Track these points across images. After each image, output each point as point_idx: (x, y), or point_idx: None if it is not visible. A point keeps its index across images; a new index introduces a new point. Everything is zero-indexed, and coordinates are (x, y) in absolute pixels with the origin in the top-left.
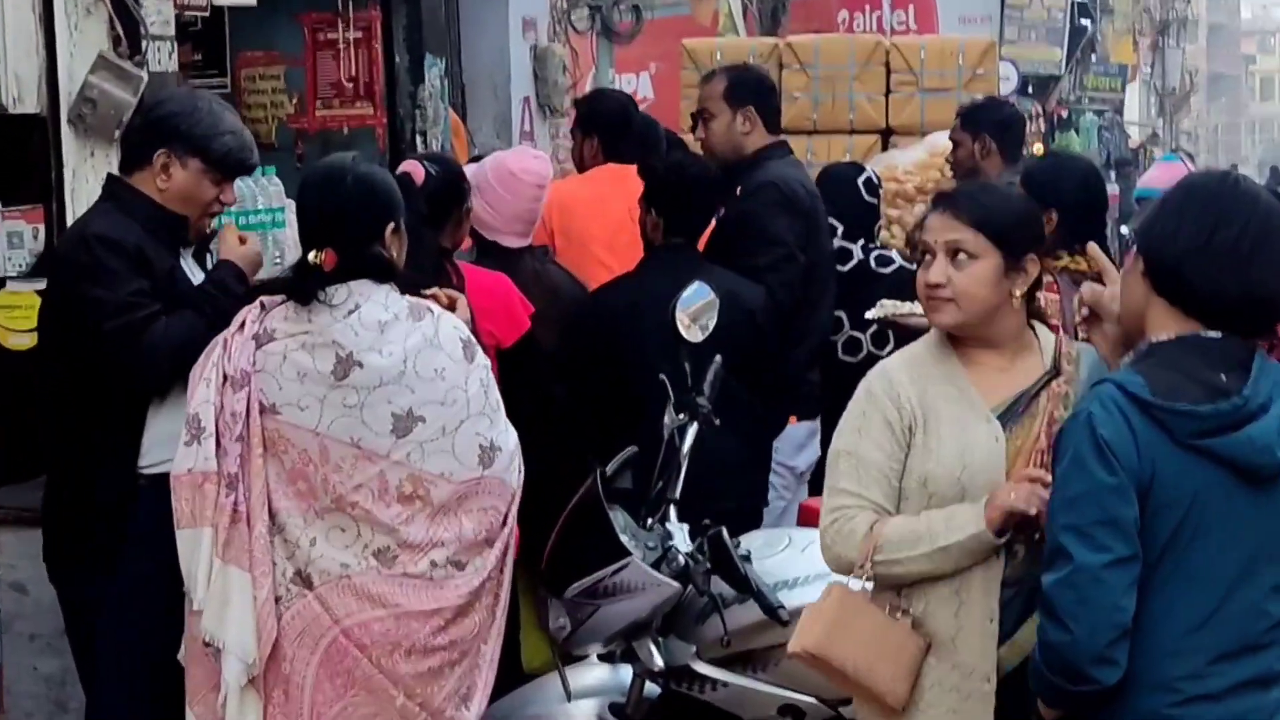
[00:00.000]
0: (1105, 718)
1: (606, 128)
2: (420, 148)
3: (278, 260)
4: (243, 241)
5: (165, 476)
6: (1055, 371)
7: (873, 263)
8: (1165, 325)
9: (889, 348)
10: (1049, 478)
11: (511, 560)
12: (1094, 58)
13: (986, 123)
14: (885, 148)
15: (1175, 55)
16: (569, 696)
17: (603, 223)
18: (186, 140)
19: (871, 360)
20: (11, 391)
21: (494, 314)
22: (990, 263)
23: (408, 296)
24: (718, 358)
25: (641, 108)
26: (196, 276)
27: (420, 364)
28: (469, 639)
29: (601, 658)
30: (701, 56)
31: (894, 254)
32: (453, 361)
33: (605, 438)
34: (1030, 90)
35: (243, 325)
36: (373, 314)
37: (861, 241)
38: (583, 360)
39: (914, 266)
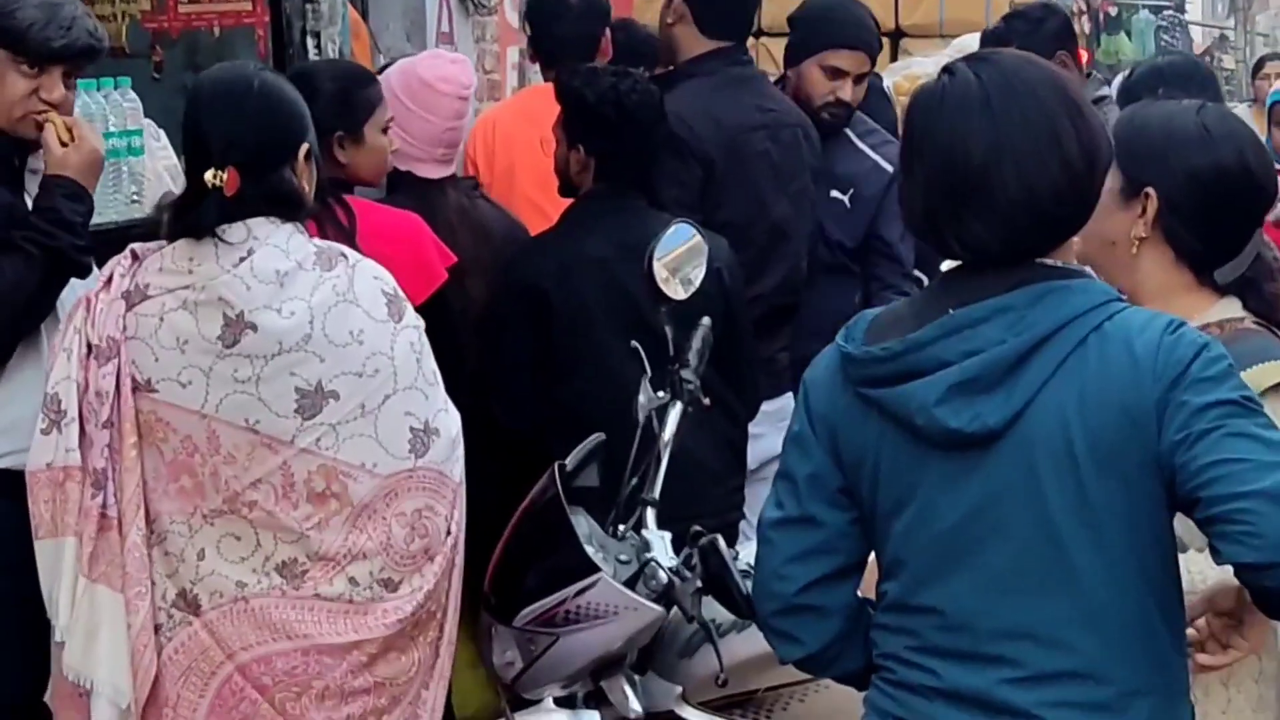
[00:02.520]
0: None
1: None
2: (312, 53)
3: (136, 197)
4: (70, 141)
5: (12, 473)
6: None
7: None
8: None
9: None
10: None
11: (460, 578)
12: None
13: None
14: (895, 53)
15: None
16: None
17: (533, 154)
18: None
19: None
20: None
21: (399, 263)
22: (1109, 184)
23: (315, 240)
24: (705, 320)
25: None
26: None
27: (331, 325)
28: (403, 681)
29: (559, 702)
30: None
31: None
32: (373, 321)
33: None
34: None
35: (110, 281)
36: (269, 262)
37: None
38: (507, 338)
39: None
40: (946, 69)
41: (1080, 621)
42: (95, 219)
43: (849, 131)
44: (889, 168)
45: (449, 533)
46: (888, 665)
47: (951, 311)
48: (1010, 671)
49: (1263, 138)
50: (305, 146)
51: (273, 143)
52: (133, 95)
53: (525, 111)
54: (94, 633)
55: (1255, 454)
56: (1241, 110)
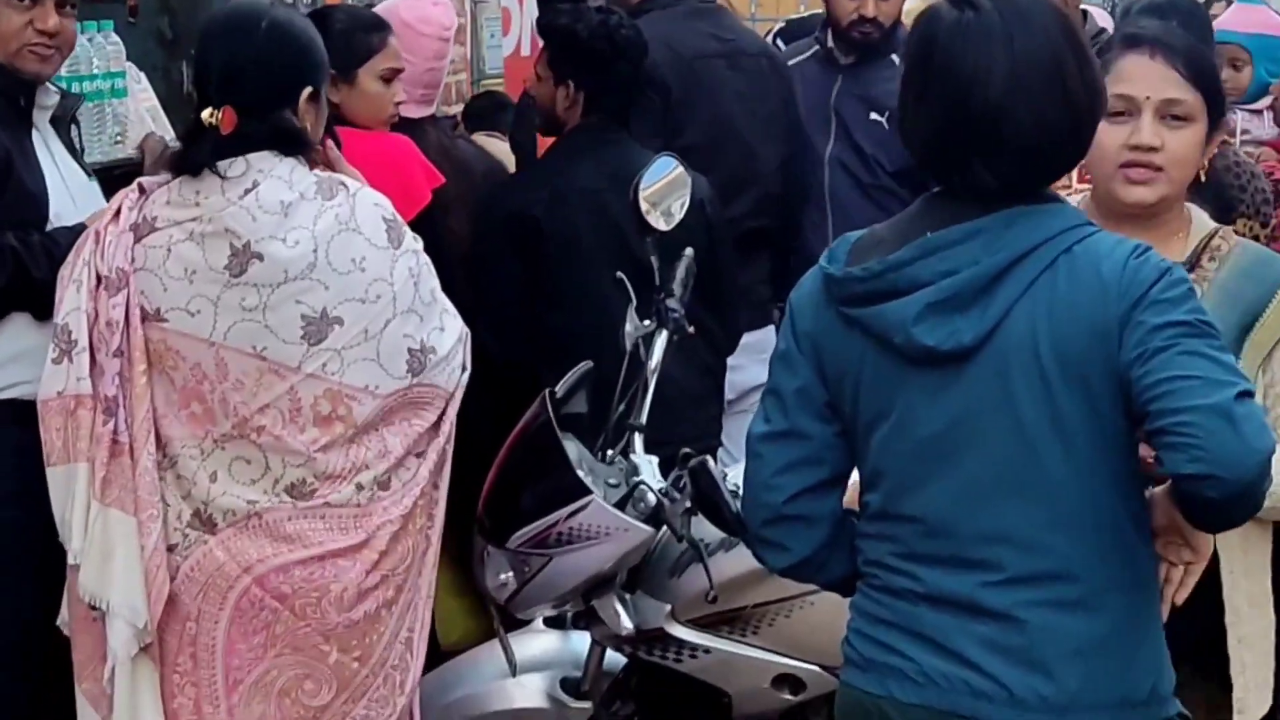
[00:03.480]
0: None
1: None
2: None
3: (119, 139)
4: None
5: (22, 404)
6: (1192, 264)
7: None
8: None
9: None
10: None
11: (448, 473)
12: None
13: None
14: None
15: None
16: (514, 670)
17: None
18: None
19: None
20: None
21: (383, 182)
22: (1201, 127)
23: (317, 171)
24: (688, 250)
25: None
26: (54, 155)
27: (334, 253)
28: (402, 570)
29: (548, 622)
30: None
31: None
32: (374, 248)
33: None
34: None
35: (118, 214)
36: (274, 193)
37: None
38: (495, 270)
39: None
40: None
41: (1054, 524)
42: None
43: (895, 55)
44: None
45: (439, 431)
46: (873, 572)
47: (929, 234)
48: (989, 575)
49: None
50: (309, 89)
51: (274, 82)
52: (115, 38)
53: None
54: (108, 555)
55: (1204, 371)
56: None
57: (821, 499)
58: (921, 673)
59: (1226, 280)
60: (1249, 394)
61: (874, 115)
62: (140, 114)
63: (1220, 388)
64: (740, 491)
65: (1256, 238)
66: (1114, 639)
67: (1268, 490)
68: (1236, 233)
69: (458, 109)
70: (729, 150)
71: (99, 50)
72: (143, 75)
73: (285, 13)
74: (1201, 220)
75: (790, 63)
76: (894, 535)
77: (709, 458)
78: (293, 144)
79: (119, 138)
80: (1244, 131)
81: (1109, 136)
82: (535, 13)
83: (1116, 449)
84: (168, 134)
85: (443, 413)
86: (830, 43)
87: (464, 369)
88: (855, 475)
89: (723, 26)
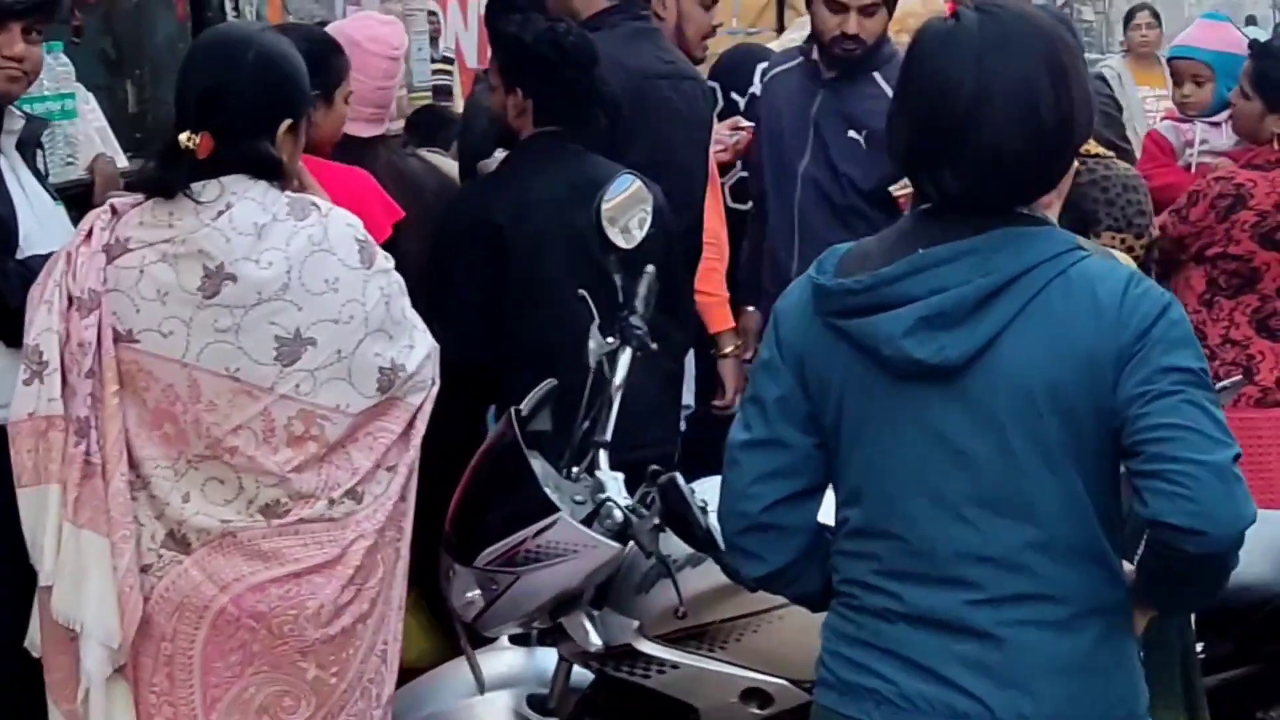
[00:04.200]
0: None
1: None
2: (230, 15)
3: (70, 160)
4: None
5: None
6: None
7: None
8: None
9: None
10: None
11: (414, 485)
12: None
13: None
14: (781, 10)
15: None
16: (481, 689)
17: None
18: None
19: None
20: None
21: None
22: None
23: (289, 192)
24: (650, 267)
25: None
26: (19, 178)
27: (308, 273)
28: (374, 583)
29: (515, 640)
30: None
31: None
32: (347, 268)
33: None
34: None
35: (90, 234)
36: (247, 215)
37: None
38: (457, 276)
39: None
40: (955, 14)
41: (1038, 547)
42: None
43: (877, 74)
44: None
45: (408, 445)
46: (849, 591)
47: (920, 251)
48: (971, 594)
49: (1142, 89)
50: (289, 121)
51: (256, 112)
52: (65, 59)
53: None
54: (82, 576)
55: (1207, 428)
56: (1115, 61)
57: (798, 510)
58: (901, 695)
59: None
60: (1240, 457)
61: (852, 133)
62: (90, 134)
63: (1221, 447)
64: (708, 507)
65: (1130, 249)
66: (1094, 660)
67: (1234, 568)
68: (1105, 244)
69: (398, 125)
70: (670, 171)
71: (49, 71)
72: (91, 96)
73: (274, 41)
74: None
75: (775, 70)
76: (874, 553)
77: (678, 474)
78: (269, 173)
79: (70, 159)
80: (1203, 142)
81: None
82: (463, 23)
83: (1098, 476)
84: (117, 154)
85: (411, 425)
86: (815, 55)
87: (433, 383)
88: None
89: (663, 48)
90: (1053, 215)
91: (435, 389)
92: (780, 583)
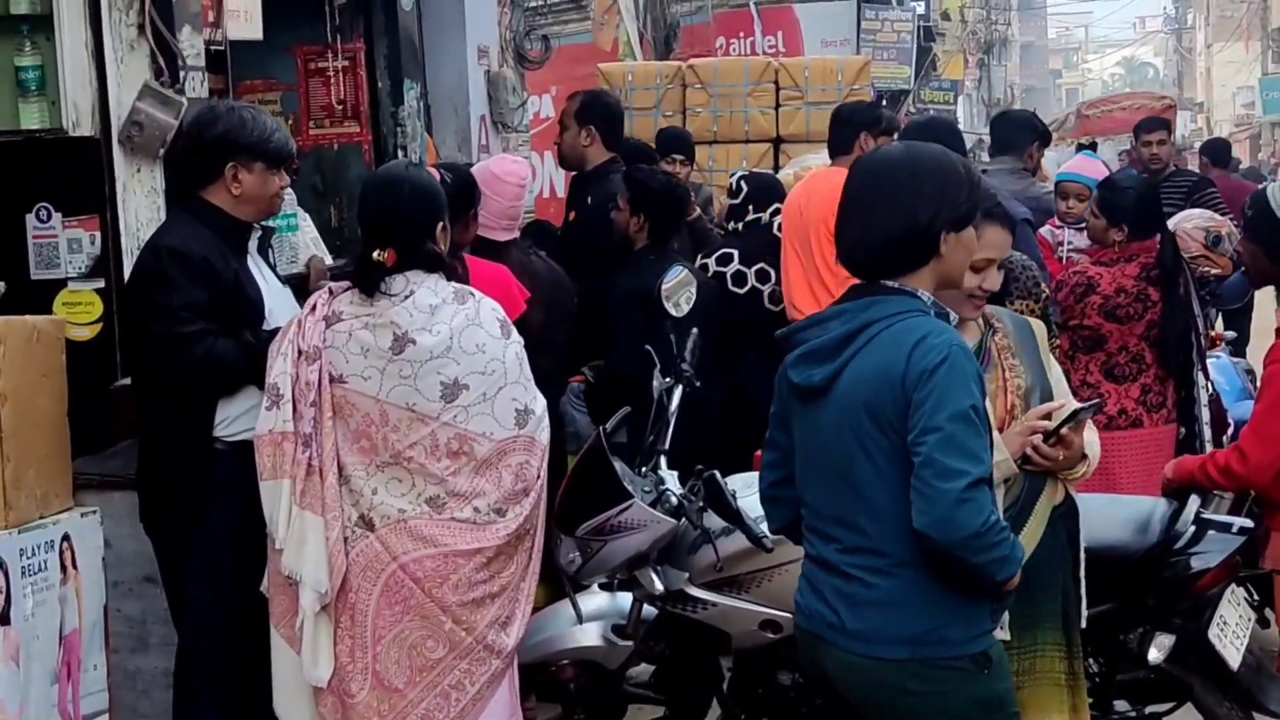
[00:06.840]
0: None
1: (606, 118)
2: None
3: (293, 260)
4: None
5: (244, 443)
6: (993, 331)
7: None
8: None
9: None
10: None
11: (544, 510)
12: (932, 74)
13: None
14: (776, 155)
15: (998, 71)
16: (580, 620)
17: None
18: (248, 150)
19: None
20: (76, 377)
21: (492, 297)
22: None
23: (453, 284)
24: (694, 330)
25: (543, 126)
26: (261, 271)
27: (464, 340)
28: (507, 575)
29: (602, 586)
30: (615, 78)
31: None
32: (492, 338)
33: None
34: (885, 103)
35: (314, 308)
36: (424, 298)
37: None
38: (624, 325)
39: None
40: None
41: (870, 514)
42: None
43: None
44: None
45: (538, 476)
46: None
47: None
48: (836, 545)
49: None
50: (441, 224)
51: (419, 223)
52: (290, 191)
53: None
54: (302, 543)
55: (955, 462)
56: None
57: (784, 489)
58: (807, 610)
59: (1013, 333)
60: (983, 480)
61: None
62: (306, 242)
63: (960, 476)
64: (737, 494)
65: (1033, 311)
66: (907, 595)
67: (979, 563)
68: (1017, 309)
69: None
70: None
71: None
72: (306, 215)
73: (418, 174)
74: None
75: None
76: (805, 517)
77: (717, 472)
78: (434, 264)
79: (293, 259)
80: (1070, 243)
81: (971, 279)
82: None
83: (910, 465)
84: (325, 255)
85: (540, 465)
86: None
87: (547, 430)
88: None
89: None
90: (991, 283)
91: (548, 434)
92: (788, 534)
